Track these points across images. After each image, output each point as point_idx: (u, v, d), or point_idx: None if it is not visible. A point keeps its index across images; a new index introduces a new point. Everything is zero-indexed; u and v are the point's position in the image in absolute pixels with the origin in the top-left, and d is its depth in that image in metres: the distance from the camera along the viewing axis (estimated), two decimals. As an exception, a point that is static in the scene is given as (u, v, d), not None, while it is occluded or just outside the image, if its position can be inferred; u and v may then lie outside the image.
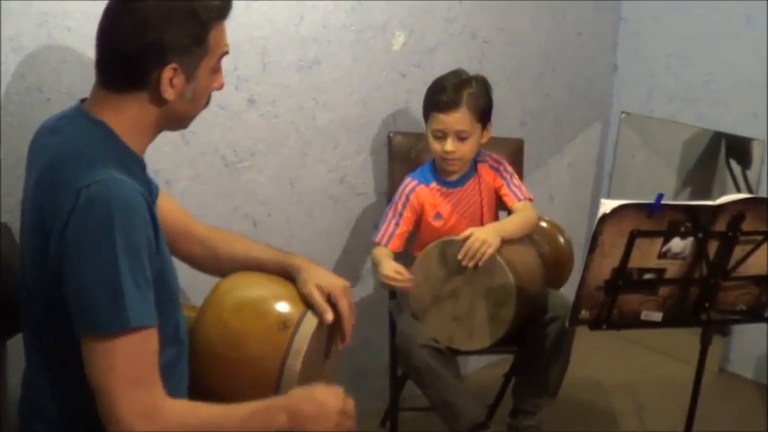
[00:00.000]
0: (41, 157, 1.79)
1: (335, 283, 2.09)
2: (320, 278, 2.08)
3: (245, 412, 1.80)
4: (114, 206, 1.65)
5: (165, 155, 2.58)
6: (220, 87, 1.92)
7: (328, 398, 1.89)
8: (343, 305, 2.09)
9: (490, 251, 2.64)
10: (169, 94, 1.78)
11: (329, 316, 2.05)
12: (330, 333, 2.13)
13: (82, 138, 1.77)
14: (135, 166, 1.82)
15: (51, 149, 1.78)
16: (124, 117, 1.79)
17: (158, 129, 1.87)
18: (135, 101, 1.79)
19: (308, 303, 2.05)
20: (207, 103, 1.91)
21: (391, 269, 2.75)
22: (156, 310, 1.73)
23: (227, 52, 1.88)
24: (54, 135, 1.81)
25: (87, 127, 1.78)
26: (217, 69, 1.88)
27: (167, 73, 1.76)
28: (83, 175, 1.67)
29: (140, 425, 1.66)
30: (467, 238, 2.67)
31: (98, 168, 1.69)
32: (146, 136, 1.85)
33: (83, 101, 1.86)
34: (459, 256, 2.66)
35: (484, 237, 2.67)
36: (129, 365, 1.66)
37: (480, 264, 2.65)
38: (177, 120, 1.89)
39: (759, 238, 2.44)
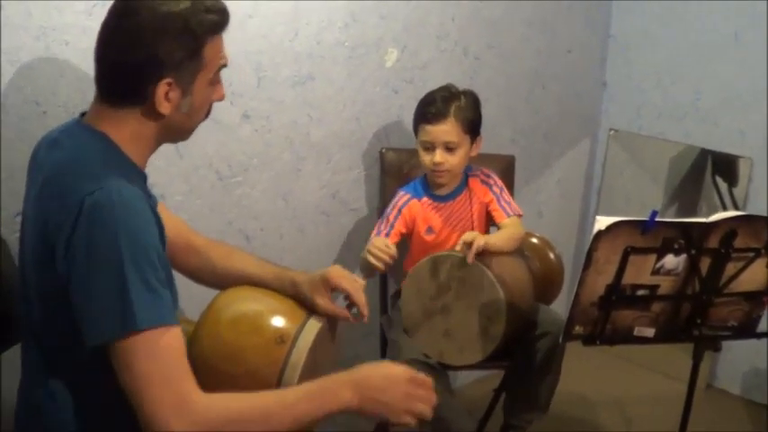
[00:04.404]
0: (42, 171, 1.79)
1: (329, 272, 2.12)
2: (316, 282, 2.11)
3: (300, 393, 1.78)
4: (118, 211, 1.66)
5: (158, 169, 2.58)
6: (221, 99, 1.92)
7: (394, 367, 1.86)
8: (345, 284, 2.11)
9: (480, 242, 2.64)
10: (165, 108, 1.79)
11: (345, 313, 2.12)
12: (329, 349, 2.14)
13: (83, 149, 1.77)
14: (136, 177, 1.82)
15: (52, 163, 1.78)
16: (124, 130, 1.80)
17: (158, 141, 1.88)
18: (133, 115, 1.80)
19: (305, 318, 2.05)
20: (207, 114, 1.92)
21: (381, 242, 2.72)
22: None
23: (225, 65, 1.88)
24: (54, 149, 1.81)
25: (88, 139, 1.79)
26: (216, 81, 1.88)
27: (162, 88, 1.77)
28: (86, 184, 1.68)
29: (175, 422, 1.64)
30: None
31: (101, 177, 1.69)
32: (146, 148, 1.86)
33: (82, 115, 1.86)
34: (458, 247, 2.67)
35: (478, 233, 2.70)
36: (150, 365, 1.65)
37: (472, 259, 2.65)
38: (176, 133, 1.90)
39: (751, 254, 2.45)
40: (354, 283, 2.13)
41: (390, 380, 1.82)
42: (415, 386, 1.84)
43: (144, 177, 1.88)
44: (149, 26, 1.74)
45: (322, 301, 2.09)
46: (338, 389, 1.78)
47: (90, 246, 1.65)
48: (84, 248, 1.65)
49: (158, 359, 1.66)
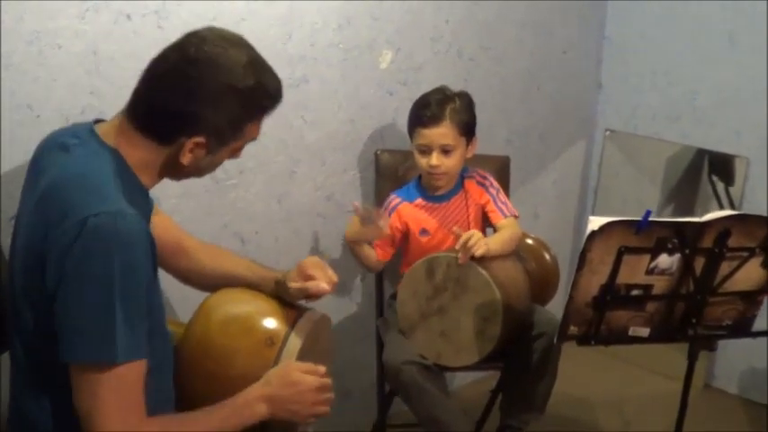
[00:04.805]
0: (46, 175, 1.78)
1: (304, 261, 2.16)
2: (292, 273, 2.14)
3: (225, 411, 1.85)
4: (119, 240, 1.66)
5: (153, 172, 2.58)
6: (236, 158, 1.95)
7: (304, 377, 1.93)
8: (315, 271, 2.12)
9: (480, 252, 2.65)
10: (186, 159, 1.80)
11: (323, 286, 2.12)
12: (318, 350, 2.14)
13: (92, 162, 1.76)
14: (139, 195, 1.82)
15: (58, 168, 1.77)
16: (138, 153, 1.81)
17: (162, 176, 1.88)
18: (153, 148, 1.81)
19: (295, 319, 2.06)
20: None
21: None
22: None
23: (255, 139, 1.91)
24: (62, 154, 1.80)
25: (99, 152, 1.78)
26: (240, 149, 1.91)
27: (191, 143, 1.78)
28: (91, 202, 1.67)
29: None
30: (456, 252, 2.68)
31: (106, 197, 1.69)
32: (151, 178, 1.86)
33: (96, 122, 1.86)
34: (457, 246, 2.66)
35: (481, 235, 2.68)
36: (113, 394, 1.68)
37: (469, 257, 2.65)
38: (183, 176, 1.91)
39: (745, 254, 2.45)
40: (325, 270, 2.14)
41: (299, 389, 1.93)
42: (321, 392, 1.95)
43: (146, 192, 1.88)
44: (208, 89, 1.76)
45: (295, 285, 2.11)
46: (255, 404, 1.89)
47: (84, 269, 1.65)
48: (77, 270, 1.65)
49: (122, 390, 1.70)
